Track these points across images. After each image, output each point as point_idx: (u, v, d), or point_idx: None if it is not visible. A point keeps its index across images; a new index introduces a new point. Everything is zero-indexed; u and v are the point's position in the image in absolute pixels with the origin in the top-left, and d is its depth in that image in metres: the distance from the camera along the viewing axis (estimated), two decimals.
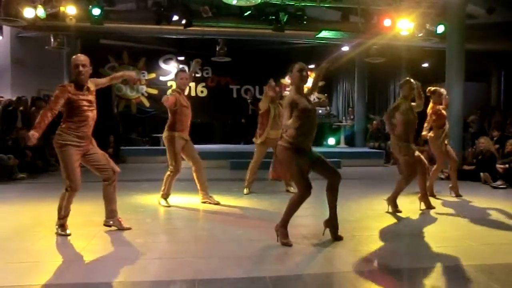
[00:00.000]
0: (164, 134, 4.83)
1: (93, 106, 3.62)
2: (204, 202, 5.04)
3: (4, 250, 3.25)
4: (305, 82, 3.45)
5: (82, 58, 3.57)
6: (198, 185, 5.04)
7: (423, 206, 4.88)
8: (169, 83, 13.48)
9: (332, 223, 3.56)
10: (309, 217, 4.41)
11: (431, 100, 5.74)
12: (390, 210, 4.69)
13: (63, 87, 3.48)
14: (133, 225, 4.00)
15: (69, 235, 3.61)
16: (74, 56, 3.62)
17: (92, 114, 3.61)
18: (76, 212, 4.25)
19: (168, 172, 4.87)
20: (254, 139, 5.82)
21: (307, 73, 3.44)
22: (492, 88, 12.30)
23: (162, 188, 4.93)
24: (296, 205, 3.43)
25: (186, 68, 13.60)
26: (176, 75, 5.16)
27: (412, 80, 4.65)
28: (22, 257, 3.06)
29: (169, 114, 4.83)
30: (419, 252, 3.26)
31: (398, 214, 4.62)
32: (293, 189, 6.04)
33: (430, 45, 9.52)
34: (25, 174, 7.16)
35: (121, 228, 3.79)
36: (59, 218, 3.65)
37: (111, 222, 3.81)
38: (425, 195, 4.93)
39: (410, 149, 4.58)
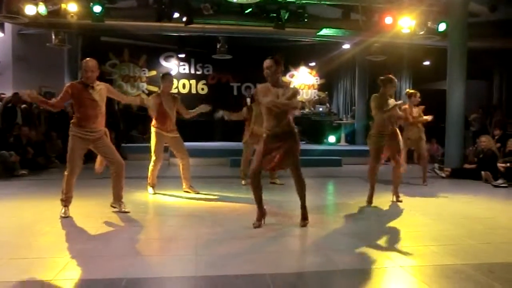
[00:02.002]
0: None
1: (97, 104, 4.09)
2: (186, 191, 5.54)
3: (6, 246, 3.26)
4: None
5: (90, 64, 4.10)
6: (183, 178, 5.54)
7: (394, 198, 5.19)
8: None
9: (301, 212, 3.93)
10: (311, 215, 4.41)
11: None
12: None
13: (68, 86, 4.13)
14: (133, 221, 4.02)
15: (66, 217, 4.07)
16: (84, 61, 4.14)
17: (94, 112, 4.06)
18: (77, 209, 4.28)
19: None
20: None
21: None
22: (494, 86, 12.27)
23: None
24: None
25: (187, 66, 13.66)
26: (163, 78, 5.52)
27: (393, 78, 4.92)
28: (24, 253, 3.07)
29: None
30: (419, 250, 3.26)
31: (399, 212, 4.64)
32: (279, 181, 6.15)
33: (431, 43, 9.49)
34: (26, 171, 7.17)
35: (120, 211, 4.30)
36: (60, 199, 4.16)
37: (115, 205, 4.37)
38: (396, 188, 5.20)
39: (377, 139, 4.92)
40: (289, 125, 3.74)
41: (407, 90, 7.09)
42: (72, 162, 4.06)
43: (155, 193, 5.42)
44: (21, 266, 2.80)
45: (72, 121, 4.10)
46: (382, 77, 4.94)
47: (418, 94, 6.57)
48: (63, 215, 4.08)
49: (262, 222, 3.85)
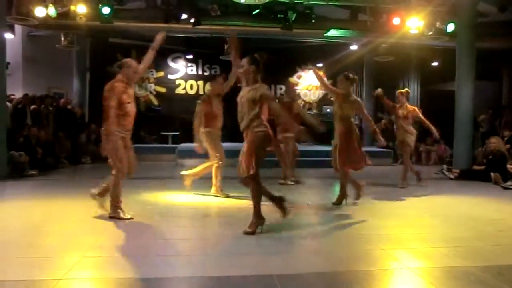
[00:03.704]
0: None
1: (133, 103, 4.14)
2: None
3: (16, 245, 3.31)
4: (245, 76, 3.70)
5: (136, 65, 4.19)
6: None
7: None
8: (177, 81, 13.54)
9: None
10: (318, 216, 4.41)
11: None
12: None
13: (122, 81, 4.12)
14: (142, 222, 4.05)
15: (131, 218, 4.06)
16: (131, 62, 4.19)
17: (132, 110, 4.10)
18: (86, 209, 4.32)
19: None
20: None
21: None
22: (503, 87, 12.13)
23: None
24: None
25: (194, 67, 13.71)
26: (214, 80, 5.65)
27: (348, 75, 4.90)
28: (33, 252, 3.11)
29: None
30: (428, 252, 3.24)
31: (407, 213, 4.61)
32: (290, 182, 6.20)
33: (440, 44, 9.42)
34: (35, 171, 7.25)
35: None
36: (115, 205, 4.06)
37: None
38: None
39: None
40: (250, 125, 3.57)
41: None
42: (123, 162, 4.01)
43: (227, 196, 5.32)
44: (30, 265, 2.84)
45: (111, 120, 3.98)
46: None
47: (400, 93, 6.33)
48: (126, 217, 4.05)
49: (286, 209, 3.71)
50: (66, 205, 4.45)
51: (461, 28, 8.01)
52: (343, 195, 4.93)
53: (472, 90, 7.92)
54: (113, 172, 4.04)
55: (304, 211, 4.83)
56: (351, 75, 4.88)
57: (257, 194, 3.57)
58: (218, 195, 5.32)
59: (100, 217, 4.18)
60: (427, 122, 6.30)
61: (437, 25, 8.29)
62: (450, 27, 8.24)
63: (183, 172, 5.54)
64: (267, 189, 3.70)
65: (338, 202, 4.91)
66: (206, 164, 5.48)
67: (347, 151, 4.72)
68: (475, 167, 7.52)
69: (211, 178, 5.38)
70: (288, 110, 6.51)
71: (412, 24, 8.25)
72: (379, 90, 6.27)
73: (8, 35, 8.71)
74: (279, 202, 3.71)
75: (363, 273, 2.76)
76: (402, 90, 6.44)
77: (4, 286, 2.51)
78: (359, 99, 4.94)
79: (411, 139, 6.22)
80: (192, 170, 5.52)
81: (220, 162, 5.35)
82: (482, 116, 10.39)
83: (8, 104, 8.67)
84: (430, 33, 8.35)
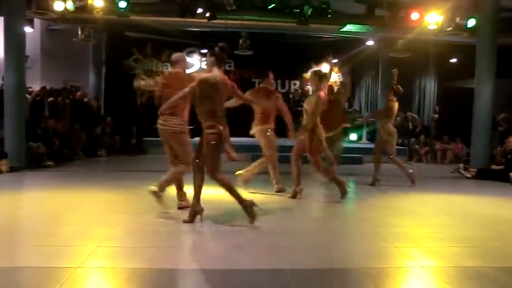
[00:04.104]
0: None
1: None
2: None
3: (34, 233, 3.39)
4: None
5: None
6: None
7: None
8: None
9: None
10: (331, 211, 4.39)
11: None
12: None
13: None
14: (156, 214, 4.09)
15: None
16: (186, 58, 4.42)
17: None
18: (101, 200, 4.39)
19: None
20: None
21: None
22: None
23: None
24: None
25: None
26: (265, 76, 5.67)
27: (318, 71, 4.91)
28: (51, 240, 3.18)
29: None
30: (442, 251, 3.20)
31: (422, 212, 4.55)
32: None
33: (459, 40, 9.22)
34: (52, 162, 7.40)
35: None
36: (159, 193, 4.06)
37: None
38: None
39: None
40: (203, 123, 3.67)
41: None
42: (189, 156, 4.09)
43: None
44: (48, 252, 2.91)
45: (184, 116, 4.15)
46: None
47: (388, 90, 6.27)
48: (163, 204, 4.12)
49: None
50: (82, 196, 4.52)
51: (482, 23, 7.80)
52: (342, 186, 4.84)
53: (492, 88, 7.73)
54: (181, 163, 4.15)
55: (318, 207, 4.82)
56: (321, 72, 4.89)
57: (229, 189, 3.70)
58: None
59: (115, 209, 4.25)
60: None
61: (457, 21, 8.10)
62: (471, 23, 8.03)
63: (238, 172, 5.44)
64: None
65: (343, 194, 4.84)
66: (260, 161, 5.40)
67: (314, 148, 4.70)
68: (493, 167, 7.37)
69: (225, 173, 5.36)
70: (335, 107, 6.29)
71: (431, 19, 8.07)
72: (395, 70, 6.16)
73: (27, 29, 8.87)
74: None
75: (376, 270, 2.74)
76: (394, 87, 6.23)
77: (25, 272, 2.58)
78: (317, 99, 4.73)
79: (391, 138, 6.14)
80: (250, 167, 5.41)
81: (273, 164, 5.27)
82: (502, 115, 10.14)
83: (28, 96, 8.85)
84: (450, 28, 8.17)
